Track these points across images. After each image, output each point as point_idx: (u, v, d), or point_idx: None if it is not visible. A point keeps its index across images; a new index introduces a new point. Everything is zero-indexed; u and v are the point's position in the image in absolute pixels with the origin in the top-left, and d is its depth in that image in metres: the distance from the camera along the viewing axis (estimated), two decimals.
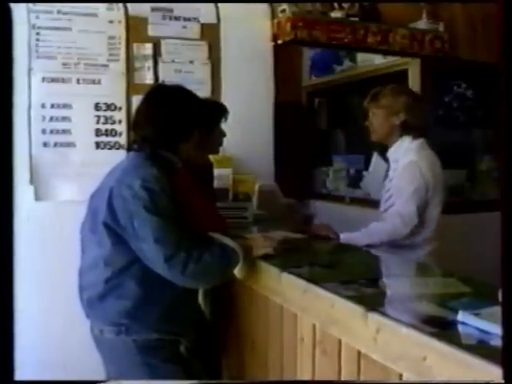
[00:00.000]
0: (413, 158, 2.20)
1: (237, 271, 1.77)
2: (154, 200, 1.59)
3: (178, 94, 1.80)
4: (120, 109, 2.62)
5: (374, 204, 2.54)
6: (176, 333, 1.75)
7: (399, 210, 2.18)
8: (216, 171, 2.42)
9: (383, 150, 2.47)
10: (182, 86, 1.83)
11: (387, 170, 2.44)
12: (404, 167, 2.22)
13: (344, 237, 2.21)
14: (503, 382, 0.89)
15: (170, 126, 1.74)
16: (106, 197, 1.64)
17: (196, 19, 2.78)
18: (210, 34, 2.81)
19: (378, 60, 3.28)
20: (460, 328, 1.13)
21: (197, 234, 1.67)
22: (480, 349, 1.00)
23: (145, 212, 1.58)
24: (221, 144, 2.14)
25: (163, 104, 1.77)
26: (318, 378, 1.49)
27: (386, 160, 2.45)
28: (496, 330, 1.04)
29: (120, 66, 2.63)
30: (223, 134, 2.11)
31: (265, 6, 2.95)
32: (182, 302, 1.74)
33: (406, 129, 2.25)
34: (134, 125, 1.83)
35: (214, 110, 2.03)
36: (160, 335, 1.70)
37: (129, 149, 1.89)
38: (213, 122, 2.01)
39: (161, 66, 2.71)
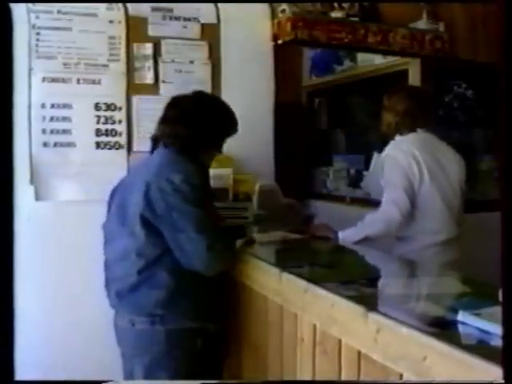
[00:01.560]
0: (387, 152, 2.37)
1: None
2: (194, 193, 1.69)
3: (223, 105, 1.96)
4: (120, 109, 2.62)
5: (374, 204, 2.54)
6: (207, 320, 1.82)
7: (389, 196, 2.24)
8: (216, 171, 2.42)
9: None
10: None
11: None
12: (383, 162, 2.37)
13: (342, 234, 2.24)
14: (503, 382, 0.89)
15: (211, 132, 1.88)
16: (141, 190, 1.70)
17: (196, 19, 2.78)
18: (210, 34, 2.80)
19: (378, 60, 3.28)
20: (460, 328, 1.13)
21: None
22: (480, 349, 1.00)
23: (185, 204, 1.67)
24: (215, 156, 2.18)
25: (210, 110, 1.89)
26: (318, 378, 1.49)
27: None
28: (496, 329, 1.04)
29: (120, 66, 2.62)
30: (221, 151, 2.11)
31: (265, 6, 2.95)
32: (211, 289, 1.81)
33: (400, 127, 2.39)
34: (164, 120, 1.89)
35: (231, 128, 2.03)
36: (193, 323, 1.76)
37: (154, 141, 1.93)
38: (224, 139, 2.04)
39: (161, 65, 2.71)
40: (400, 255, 2.29)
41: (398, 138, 2.40)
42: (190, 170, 1.74)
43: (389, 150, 2.38)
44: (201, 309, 1.79)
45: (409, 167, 2.25)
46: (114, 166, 2.53)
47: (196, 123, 1.84)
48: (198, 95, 1.96)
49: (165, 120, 1.89)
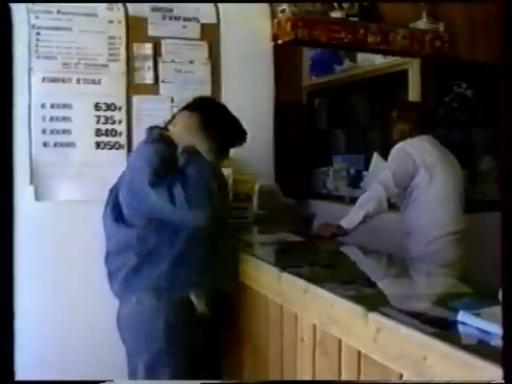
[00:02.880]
0: (397, 145, 2.54)
1: None
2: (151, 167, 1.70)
3: (230, 114, 1.94)
4: (120, 109, 2.62)
5: None
6: (217, 282, 1.85)
7: (379, 178, 2.47)
8: None
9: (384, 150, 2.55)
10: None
11: None
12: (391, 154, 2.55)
13: (344, 222, 2.36)
14: (503, 382, 0.89)
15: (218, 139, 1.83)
16: (127, 181, 1.79)
17: (196, 19, 2.78)
18: (210, 34, 2.80)
19: (378, 60, 3.28)
20: (460, 328, 1.13)
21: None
22: (480, 349, 1.00)
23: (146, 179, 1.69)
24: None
25: (220, 119, 1.88)
26: (318, 378, 1.49)
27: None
28: (496, 329, 1.04)
29: (120, 66, 2.62)
30: (227, 157, 2.11)
31: (265, 6, 2.95)
32: (213, 256, 1.82)
33: (412, 134, 2.57)
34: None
35: (237, 136, 2.03)
36: (202, 288, 1.80)
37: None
38: (228, 146, 2.04)
39: (161, 65, 2.71)
40: (409, 250, 2.44)
41: (408, 140, 2.56)
42: (149, 152, 1.75)
43: (399, 144, 2.54)
44: (204, 273, 1.80)
45: (411, 159, 2.45)
46: (113, 166, 2.52)
47: (209, 129, 1.83)
48: (211, 102, 2.05)
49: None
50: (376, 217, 2.40)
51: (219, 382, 2.06)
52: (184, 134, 1.80)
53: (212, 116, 1.85)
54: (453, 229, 2.44)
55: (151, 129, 1.91)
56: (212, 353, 2.01)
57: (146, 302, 1.76)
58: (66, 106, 2.52)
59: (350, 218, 2.37)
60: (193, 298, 1.79)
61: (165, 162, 1.71)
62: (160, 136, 1.85)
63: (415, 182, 2.46)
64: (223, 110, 1.94)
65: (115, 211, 1.82)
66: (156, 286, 1.75)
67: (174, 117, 1.91)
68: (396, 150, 2.52)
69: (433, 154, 2.49)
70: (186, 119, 1.83)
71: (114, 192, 1.87)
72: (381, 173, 2.53)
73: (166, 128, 1.87)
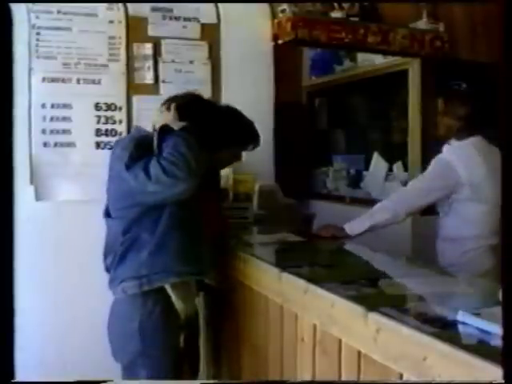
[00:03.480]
0: (443, 156, 2.34)
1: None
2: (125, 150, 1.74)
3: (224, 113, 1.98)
4: (120, 109, 2.62)
5: (374, 204, 2.54)
6: (197, 273, 1.85)
7: (407, 187, 2.34)
8: None
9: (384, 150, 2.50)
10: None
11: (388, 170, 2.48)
12: (433, 161, 2.36)
13: (348, 226, 2.27)
14: (503, 382, 0.89)
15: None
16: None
17: (196, 19, 2.78)
18: (210, 34, 2.81)
19: (378, 60, 3.27)
20: (460, 328, 1.13)
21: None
22: (480, 349, 1.00)
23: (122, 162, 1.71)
24: (230, 163, 2.18)
25: (211, 117, 1.89)
26: (318, 378, 1.49)
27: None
28: (496, 329, 1.04)
29: (120, 66, 2.62)
30: (238, 159, 2.13)
31: (265, 6, 2.95)
32: (194, 243, 1.82)
33: (459, 132, 2.35)
34: None
35: (247, 138, 2.05)
36: (181, 278, 1.79)
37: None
38: (237, 147, 2.05)
39: (161, 65, 2.71)
40: (445, 257, 2.34)
41: (454, 142, 2.37)
42: (125, 141, 1.82)
43: (446, 153, 2.36)
44: (185, 262, 1.80)
45: (455, 175, 2.25)
46: None
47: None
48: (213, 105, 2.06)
49: None
50: (388, 226, 2.30)
51: (219, 381, 2.06)
52: (160, 121, 1.80)
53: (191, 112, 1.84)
54: (494, 241, 2.26)
55: (135, 127, 1.95)
56: (194, 354, 2.03)
57: (129, 291, 1.76)
58: (66, 105, 2.52)
59: (356, 224, 2.29)
60: (169, 290, 1.77)
61: (140, 146, 1.73)
62: (140, 130, 1.90)
63: (456, 197, 2.29)
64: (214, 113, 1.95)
65: (105, 207, 1.87)
66: (138, 274, 1.75)
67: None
68: (439, 161, 2.33)
69: (482, 168, 2.26)
70: (167, 116, 1.82)
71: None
72: (417, 179, 2.37)
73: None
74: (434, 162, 2.35)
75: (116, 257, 1.80)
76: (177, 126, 1.73)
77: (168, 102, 1.88)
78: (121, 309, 1.80)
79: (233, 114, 2.01)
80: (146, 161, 1.65)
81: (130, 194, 1.71)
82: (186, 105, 1.85)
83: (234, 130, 1.97)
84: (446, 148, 2.40)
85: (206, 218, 1.89)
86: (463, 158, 2.28)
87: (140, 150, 1.71)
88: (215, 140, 1.87)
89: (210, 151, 1.82)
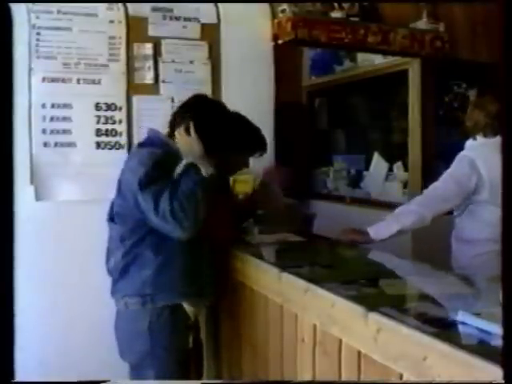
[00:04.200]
0: (466, 153, 2.26)
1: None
2: (146, 173, 1.72)
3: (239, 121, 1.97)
4: (120, 109, 2.62)
5: (374, 204, 2.54)
6: (199, 294, 1.86)
7: (430, 189, 2.22)
8: None
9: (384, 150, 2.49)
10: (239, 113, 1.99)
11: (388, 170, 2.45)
12: (458, 158, 2.27)
13: (372, 231, 2.13)
14: (503, 382, 0.89)
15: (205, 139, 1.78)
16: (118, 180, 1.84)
17: (196, 19, 2.78)
18: (210, 34, 2.80)
19: (378, 60, 3.28)
20: (460, 328, 1.13)
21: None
22: (480, 349, 1.00)
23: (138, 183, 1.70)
24: (239, 169, 2.15)
25: (214, 120, 1.86)
26: (318, 378, 1.49)
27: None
28: (496, 329, 1.04)
29: (120, 66, 2.62)
30: (246, 165, 2.11)
31: (265, 6, 2.95)
32: (199, 264, 1.83)
33: (487, 129, 2.26)
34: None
35: (256, 145, 2.04)
36: (185, 298, 1.81)
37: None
38: (245, 154, 2.05)
39: (161, 65, 2.71)
40: (458, 258, 2.28)
41: (480, 139, 2.29)
42: (144, 155, 1.77)
43: (469, 151, 2.28)
44: (189, 283, 1.81)
45: (477, 173, 2.17)
46: (114, 166, 2.52)
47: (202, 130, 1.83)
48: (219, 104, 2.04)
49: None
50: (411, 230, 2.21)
51: (219, 381, 2.06)
52: (186, 151, 1.78)
53: (214, 133, 1.81)
54: None
55: (151, 131, 1.91)
56: (199, 354, 2.04)
57: (131, 307, 1.78)
58: (66, 105, 2.52)
59: (382, 228, 2.14)
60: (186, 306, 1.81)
61: (158, 166, 1.71)
62: (159, 140, 1.86)
63: (474, 198, 2.22)
64: (226, 118, 1.93)
65: (110, 210, 1.87)
66: (141, 292, 1.76)
67: (174, 117, 1.90)
68: (462, 159, 2.24)
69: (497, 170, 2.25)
70: (188, 140, 1.79)
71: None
72: (441, 180, 2.24)
73: (170, 131, 1.87)
74: (457, 161, 2.25)
75: (117, 269, 1.81)
76: (205, 169, 1.71)
77: (181, 115, 1.86)
78: (128, 311, 1.80)
79: (242, 120, 2.00)
80: (160, 190, 1.64)
81: (136, 209, 1.71)
82: (200, 118, 1.82)
83: (243, 135, 1.96)
84: (469, 144, 2.32)
85: (214, 224, 1.87)
86: (486, 157, 2.17)
87: (157, 169, 1.70)
88: (225, 145, 1.86)
89: (219, 156, 1.81)
